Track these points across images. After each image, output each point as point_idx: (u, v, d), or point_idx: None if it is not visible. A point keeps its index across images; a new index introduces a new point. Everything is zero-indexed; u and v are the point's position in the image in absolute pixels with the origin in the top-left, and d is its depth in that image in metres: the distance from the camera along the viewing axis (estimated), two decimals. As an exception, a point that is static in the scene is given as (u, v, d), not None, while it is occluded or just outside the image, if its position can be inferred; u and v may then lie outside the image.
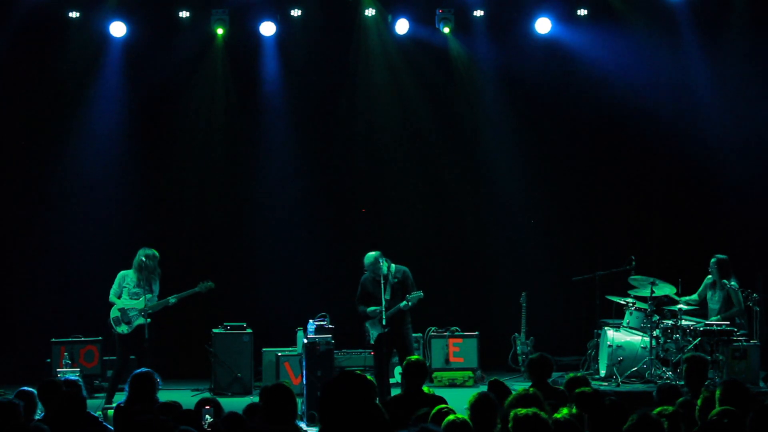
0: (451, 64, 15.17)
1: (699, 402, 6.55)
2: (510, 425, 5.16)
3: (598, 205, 15.29)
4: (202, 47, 14.85)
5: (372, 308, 11.55)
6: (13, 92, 14.48)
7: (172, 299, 11.82)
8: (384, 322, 11.40)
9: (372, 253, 11.62)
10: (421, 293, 11.57)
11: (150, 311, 11.75)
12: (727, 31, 14.83)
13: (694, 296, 12.77)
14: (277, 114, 15.10)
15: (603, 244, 14.94)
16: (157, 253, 11.84)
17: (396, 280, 11.61)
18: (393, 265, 11.67)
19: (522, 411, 5.20)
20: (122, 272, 11.90)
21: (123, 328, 11.71)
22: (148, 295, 11.72)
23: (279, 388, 6.53)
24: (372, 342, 11.67)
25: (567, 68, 15.08)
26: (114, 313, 11.72)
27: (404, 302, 11.48)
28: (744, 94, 14.71)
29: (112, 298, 11.79)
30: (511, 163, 15.33)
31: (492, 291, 15.00)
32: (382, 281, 11.46)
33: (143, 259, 11.75)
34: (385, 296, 11.47)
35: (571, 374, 8.01)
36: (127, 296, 11.69)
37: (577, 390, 6.81)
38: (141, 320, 11.68)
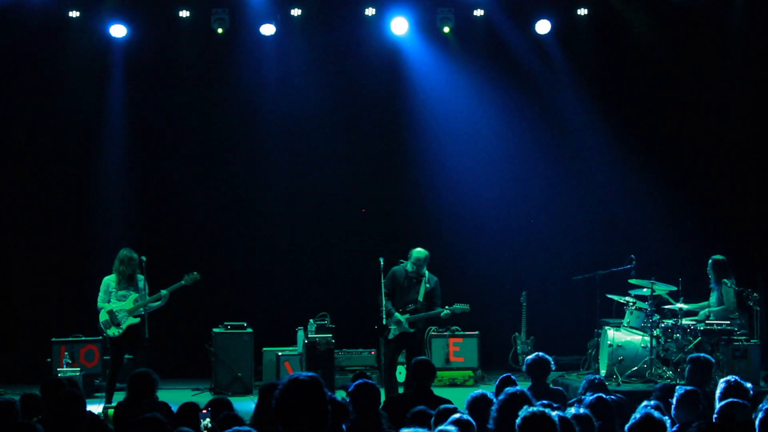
0: (451, 63, 15.16)
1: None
2: (518, 423, 5.15)
3: (598, 204, 15.27)
4: (202, 47, 14.85)
5: (404, 315, 11.46)
6: (13, 92, 14.47)
7: (163, 291, 11.71)
8: (408, 324, 11.44)
9: (424, 251, 11.59)
10: (467, 307, 11.69)
11: (143, 310, 11.58)
12: (731, 29, 14.88)
13: (706, 311, 12.64)
14: (276, 114, 15.09)
15: (603, 244, 14.92)
16: (134, 254, 11.64)
17: (429, 286, 11.61)
18: (427, 271, 11.69)
19: (530, 410, 5.19)
20: (105, 278, 11.75)
21: (113, 331, 11.59)
22: (135, 295, 11.65)
23: (272, 387, 6.45)
24: (390, 337, 11.55)
25: (566, 67, 15.07)
26: (103, 317, 11.60)
27: (446, 311, 11.55)
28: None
29: (100, 304, 11.67)
30: (510, 162, 15.33)
31: (492, 291, 14.99)
32: (417, 281, 11.51)
33: (120, 261, 11.66)
34: (419, 298, 11.53)
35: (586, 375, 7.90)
36: (115, 300, 11.62)
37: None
38: (131, 320, 11.60)
